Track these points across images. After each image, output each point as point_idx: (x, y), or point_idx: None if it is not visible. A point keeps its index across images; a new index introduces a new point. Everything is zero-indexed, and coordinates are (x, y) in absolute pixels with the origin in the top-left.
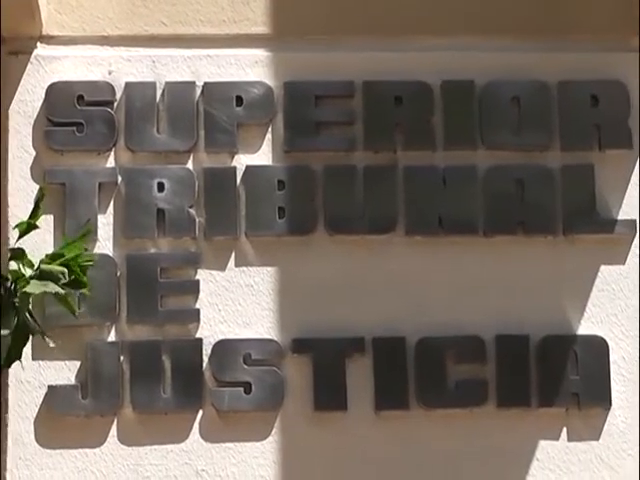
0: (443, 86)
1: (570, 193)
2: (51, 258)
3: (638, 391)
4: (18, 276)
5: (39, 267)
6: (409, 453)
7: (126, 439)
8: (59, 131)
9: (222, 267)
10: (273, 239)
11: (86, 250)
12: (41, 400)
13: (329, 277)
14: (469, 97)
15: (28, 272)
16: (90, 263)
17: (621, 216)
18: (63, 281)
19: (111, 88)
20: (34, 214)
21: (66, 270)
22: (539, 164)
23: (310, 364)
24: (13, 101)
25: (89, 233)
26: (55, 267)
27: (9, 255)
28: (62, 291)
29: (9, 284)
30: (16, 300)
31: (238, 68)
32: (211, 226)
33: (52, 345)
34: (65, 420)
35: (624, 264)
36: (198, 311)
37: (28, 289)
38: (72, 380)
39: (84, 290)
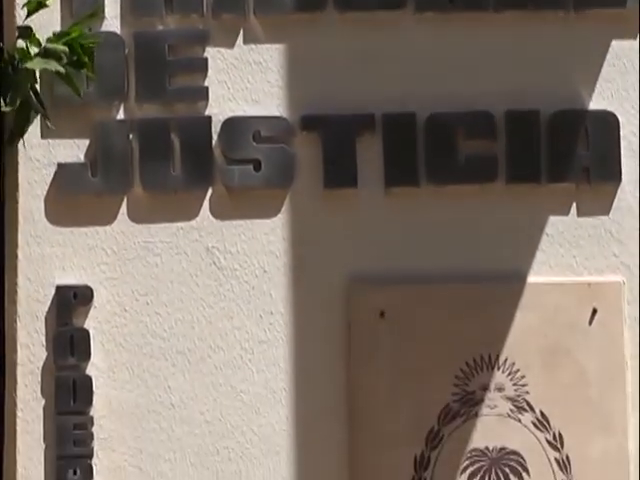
0: None
1: None
2: (57, 37)
3: None
4: (24, 54)
5: (44, 46)
6: (418, 229)
7: (136, 217)
8: None
9: (230, 45)
10: (282, 17)
11: (90, 30)
12: (51, 178)
13: (338, 54)
14: None
15: (35, 51)
16: (94, 44)
17: None
18: (65, 60)
19: None
20: None
21: (68, 49)
22: None
23: (320, 141)
24: None
25: (97, 14)
26: (58, 46)
27: (17, 34)
28: (63, 70)
29: (16, 62)
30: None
31: None
32: (219, 4)
33: (52, 126)
34: (75, 198)
35: (635, 39)
36: (207, 89)
37: (29, 65)
38: (81, 158)
39: (88, 72)
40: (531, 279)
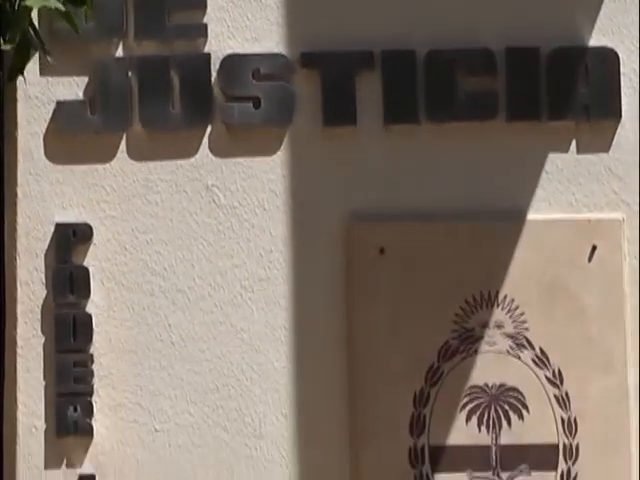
0: None
1: None
2: None
3: None
4: None
5: None
6: (418, 167)
7: (136, 155)
8: None
9: None
10: None
11: None
12: (50, 116)
13: None
14: None
15: None
16: None
17: None
18: None
19: None
20: None
21: None
22: None
23: (319, 78)
24: None
25: None
26: None
27: None
28: (62, 7)
29: None
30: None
31: None
32: None
33: (52, 62)
34: (74, 136)
35: None
36: (206, 26)
37: (28, 3)
38: (80, 96)
39: (85, 9)
40: (531, 216)
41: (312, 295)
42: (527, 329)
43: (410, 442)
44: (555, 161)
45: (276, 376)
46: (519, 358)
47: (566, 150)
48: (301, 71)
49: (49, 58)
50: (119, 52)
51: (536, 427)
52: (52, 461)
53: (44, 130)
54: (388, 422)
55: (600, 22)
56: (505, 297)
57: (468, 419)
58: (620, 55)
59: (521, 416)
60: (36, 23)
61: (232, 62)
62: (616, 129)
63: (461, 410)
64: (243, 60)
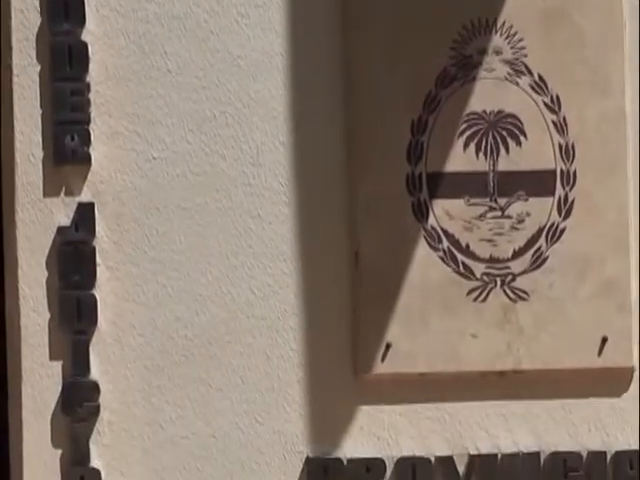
0: None
1: None
2: None
3: None
4: None
5: None
6: None
7: None
8: None
9: None
10: None
11: None
12: None
13: None
14: None
15: None
16: None
17: None
18: None
19: None
20: None
21: None
22: None
23: None
24: None
25: None
26: None
27: None
28: None
29: None
30: None
31: None
32: None
33: None
34: None
35: None
36: None
37: None
38: None
39: None
40: None
41: (308, 20)
42: (525, 55)
43: (408, 169)
44: None
45: (273, 104)
46: (517, 84)
47: None
48: None
49: None
50: None
51: (534, 153)
52: (51, 190)
53: None
54: (386, 150)
55: None
56: (504, 23)
57: (466, 146)
58: None
59: (519, 142)
60: None
61: None
62: None
63: (459, 137)
64: None
